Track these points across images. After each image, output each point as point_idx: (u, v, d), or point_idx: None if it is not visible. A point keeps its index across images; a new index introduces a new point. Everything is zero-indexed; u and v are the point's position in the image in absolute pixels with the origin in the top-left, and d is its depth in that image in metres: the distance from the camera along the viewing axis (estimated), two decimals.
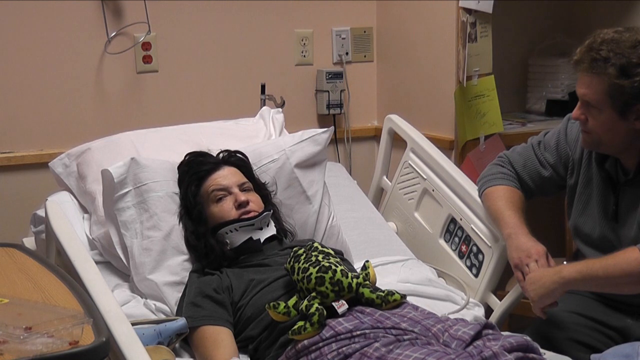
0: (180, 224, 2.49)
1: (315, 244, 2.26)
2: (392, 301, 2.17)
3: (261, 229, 2.44)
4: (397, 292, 2.19)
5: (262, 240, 2.44)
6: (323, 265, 2.16)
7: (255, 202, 2.48)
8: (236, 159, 2.58)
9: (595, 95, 2.26)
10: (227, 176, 2.50)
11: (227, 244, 2.43)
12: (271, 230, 2.47)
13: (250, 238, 2.43)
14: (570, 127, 2.50)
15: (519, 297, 2.58)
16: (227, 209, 2.44)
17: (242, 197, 2.45)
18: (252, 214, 2.44)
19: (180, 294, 2.39)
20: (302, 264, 2.18)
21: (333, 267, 2.16)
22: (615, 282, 2.25)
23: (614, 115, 2.26)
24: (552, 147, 2.53)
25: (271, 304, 2.13)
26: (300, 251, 2.23)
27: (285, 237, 2.55)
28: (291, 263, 2.22)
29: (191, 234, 2.46)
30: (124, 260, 2.49)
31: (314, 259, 2.18)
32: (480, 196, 2.64)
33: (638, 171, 2.33)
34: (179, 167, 2.57)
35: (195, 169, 2.52)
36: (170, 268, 2.44)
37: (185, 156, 2.59)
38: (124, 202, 2.48)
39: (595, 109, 2.28)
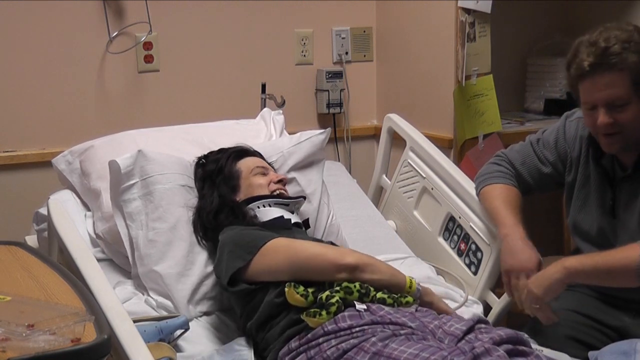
0: (192, 211, 2.50)
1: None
2: (404, 303, 2.19)
3: (293, 212, 2.49)
4: (409, 295, 2.22)
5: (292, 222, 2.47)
6: None
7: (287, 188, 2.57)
8: (259, 154, 2.65)
9: (622, 90, 2.23)
10: (262, 161, 2.58)
11: (256, 217, 2.44)
12: (299, 219, 2.52)
13: (282, 216, 2.45)
14: (569, 125, 2.51)
15: None
16: (265, 182, 2.50)
17: (281, 176, 2.55)
18: (286, 194, 2.51)
19: (184, 286, 2.39)
20: None
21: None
22: (615, 275, 2.26)
23: None
24: (551, 144, 2.54)
25: (292, 283, 2.14)
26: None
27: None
28: None
29: (221, 201, 2.46)
30: (130, 252, 2.50)
31: None
32: (477, 195, 2.65)
33: (636, 167, 2.34)
34: (200, 159, 2.60)
35: (233, 149, 2.59)
36: (176, 259, 2.44)
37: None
38: (130, 194, 2.50)
39: (621, 106, 2.25)
